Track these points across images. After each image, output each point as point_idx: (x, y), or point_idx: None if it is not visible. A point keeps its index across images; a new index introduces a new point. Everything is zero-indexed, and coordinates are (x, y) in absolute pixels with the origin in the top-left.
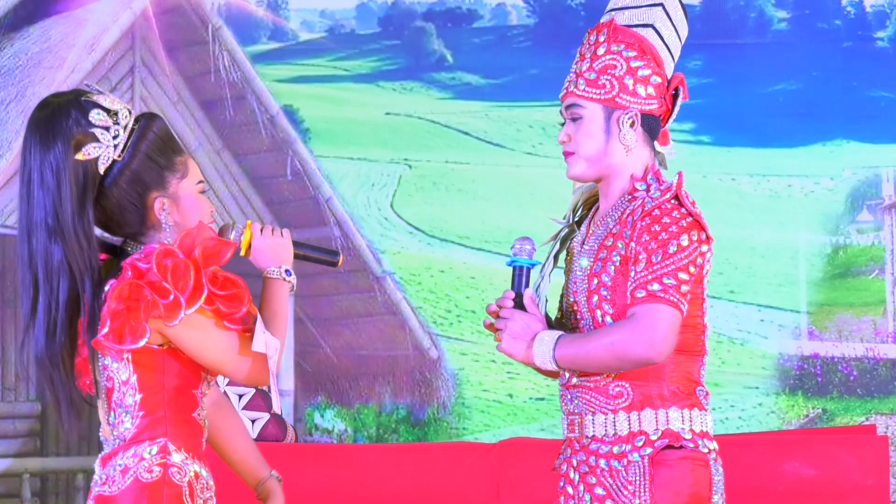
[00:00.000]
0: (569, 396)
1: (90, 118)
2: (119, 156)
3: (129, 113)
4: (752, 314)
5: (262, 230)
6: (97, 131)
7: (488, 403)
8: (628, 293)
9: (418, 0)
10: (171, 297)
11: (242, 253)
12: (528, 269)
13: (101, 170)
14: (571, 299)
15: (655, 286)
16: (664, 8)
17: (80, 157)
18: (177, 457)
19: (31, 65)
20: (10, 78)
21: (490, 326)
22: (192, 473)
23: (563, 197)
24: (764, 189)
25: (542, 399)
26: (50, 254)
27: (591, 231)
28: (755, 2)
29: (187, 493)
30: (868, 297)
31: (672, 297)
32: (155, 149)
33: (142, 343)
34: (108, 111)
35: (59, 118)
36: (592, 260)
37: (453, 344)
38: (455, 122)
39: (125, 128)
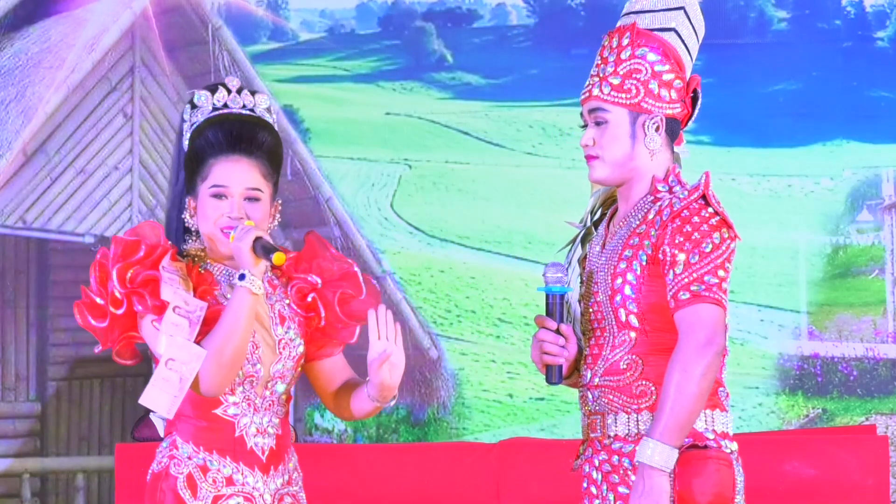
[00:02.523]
0: (590, 396)
1: (183, 115)
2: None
3: (213, 109)
4: (751, 314)
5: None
6: (185, 126)
7: (488, 403)
8: (670, 297)
9: (418, 0)
10: (102, 300)
11: None
12: (562, 297)
13: None
14: (591, 300)
15: (698, 286)
16: (685, 11)
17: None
18: (184, 450)
19: (31, 65)
20: (10, 78)
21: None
22: (196, 465)
23: (562, 197)
24: (764, 189)
25: (542, 399)
26: None
27: (611, 231)
28: (755, 2)
29: (183, 484)
30: (868, 297)
31: (715, 295)
32: (196, 149)
33: (96, 349)
34: (194, 107)
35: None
36: (616, 260)
37: (453, 344)
38: (455, 122)
39: (192, 124)
